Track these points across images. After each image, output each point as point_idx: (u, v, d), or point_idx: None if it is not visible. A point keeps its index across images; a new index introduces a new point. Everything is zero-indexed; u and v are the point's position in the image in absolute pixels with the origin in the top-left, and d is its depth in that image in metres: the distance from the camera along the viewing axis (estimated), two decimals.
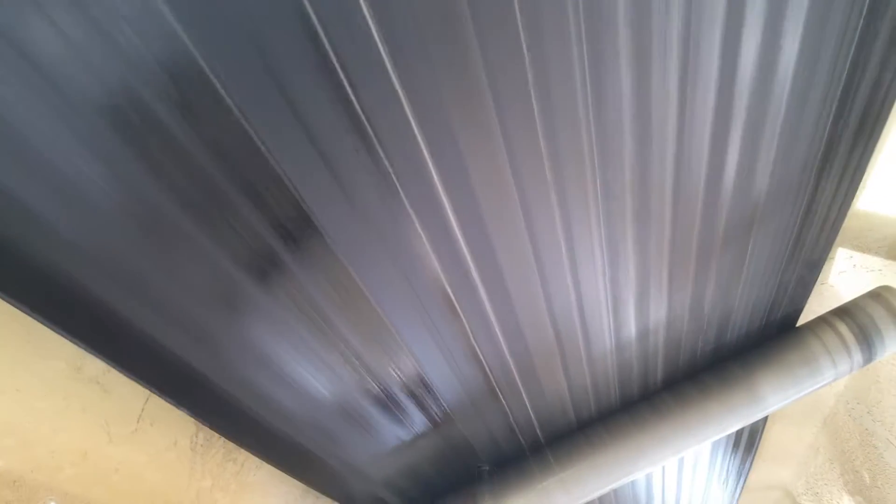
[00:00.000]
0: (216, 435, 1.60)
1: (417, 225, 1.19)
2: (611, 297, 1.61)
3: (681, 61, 1.14)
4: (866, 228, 1.88)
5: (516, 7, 0.94)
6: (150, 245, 1.02)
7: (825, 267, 1.91)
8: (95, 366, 1.28)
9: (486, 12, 0.93)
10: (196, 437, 1.56)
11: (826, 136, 1.42)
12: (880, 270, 2.00)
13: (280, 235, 1.10)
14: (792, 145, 1.41)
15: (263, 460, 1.58)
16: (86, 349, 1.11)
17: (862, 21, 1.21)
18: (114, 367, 1.17)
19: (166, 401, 1.28)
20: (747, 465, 3.24)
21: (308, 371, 1.41)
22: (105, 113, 0.85)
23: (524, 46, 0.99)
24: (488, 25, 0.95)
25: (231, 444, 1.65)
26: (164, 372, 1.24)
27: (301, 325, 1.29)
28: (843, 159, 1.50)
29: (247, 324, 1.24)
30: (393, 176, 1.08)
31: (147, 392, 1.39)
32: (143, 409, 1.41)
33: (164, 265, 1.06)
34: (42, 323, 1.06)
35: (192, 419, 1.54)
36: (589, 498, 2.01)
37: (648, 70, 1.12)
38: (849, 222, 1.70)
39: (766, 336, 2.06)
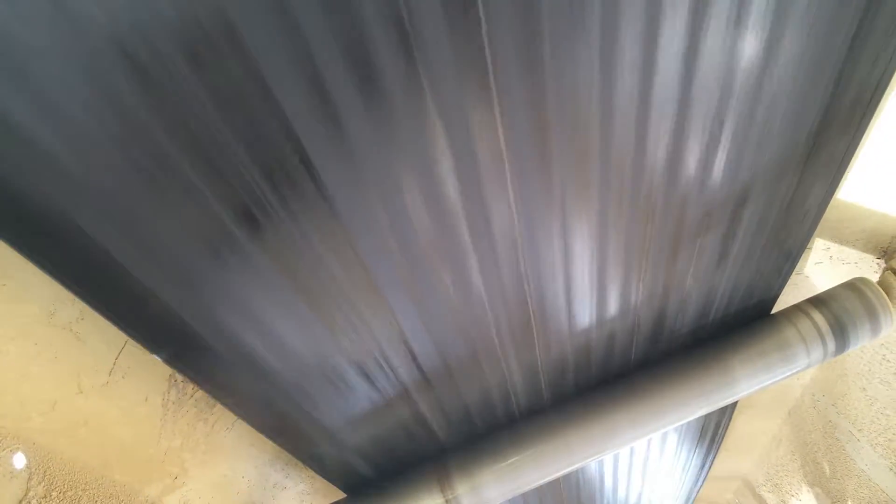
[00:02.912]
0: (188, 394, 1.58)
1: (414, 180, 1.17)
2: (597, 271, 1.62)
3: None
4: (845, 220, 1.91)
5: None
6: (145, 184, 1.00)
7: (802, 256, 1.92)
8: (69, 312, 1.25)
9: None
10: (168, 394, 1.54)
11: (814, 127, 1.42)
12: (856, 263, 2.03)
13: (273, 184, 1.08)
14: (779, 134, 1.41)
15: (237, 415, 1.56)
16: (65, 284, 1.07)
17: (860, 14, 1.21)
18: (92, 307, 1.14)
19: (143, 346, 1.25)
20: (712, 454, 3.29)
21: (290, 327, 1.39)
22: (113, 46, 0.82)
23: None
24: None
25: (202, 405, 1.63)
26: (144, 316, 1.21)
27: (288, 279, 1.27)
28: (828, 150, 1.50)
29: (233, 274, 1.21)
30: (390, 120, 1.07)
31: (121, 344, 1.36)
32: (115, 362, 1.38)
33: (157, 207, 1.04)
34: (25, 256, 1.03)
35: (166, 375, 1.51)
36: (560, 474, 2.02)
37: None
38: (828, 213, 1.72)
39: (741, 321, 2.08)
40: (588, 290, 1.69)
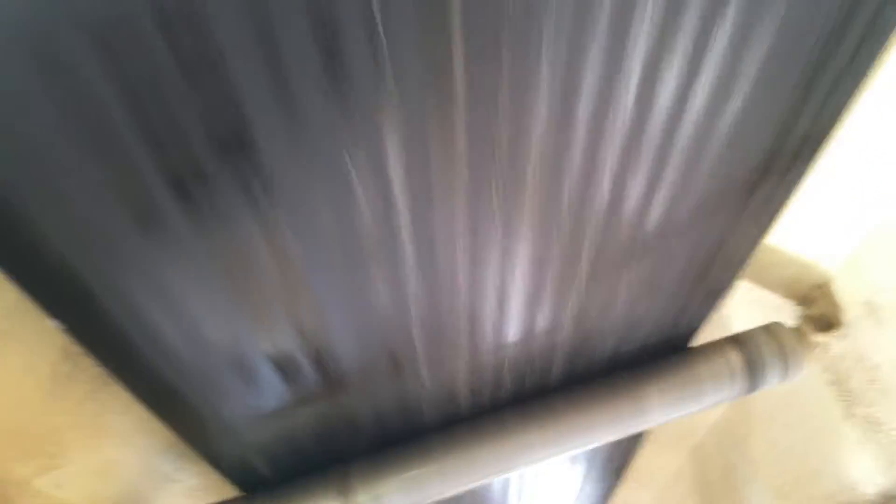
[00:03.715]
0: (80, 369, 1.46)
1: (355, 167, 1.12)
2: (530, 288, 1.60)
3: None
4: (769, 265, 1.96)
5: None
6: (73, 130, 0.91)
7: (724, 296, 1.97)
8: None
9: None
10: (59, 366, 1.42)
11: (753, 174, 1.46)
12: (775, 307, 2.10)
13: (216, 157, 1.00)
14: (719, 178, 1.44)
15: (133, 397, 1.45)
16: None
17: (811, 62, 1.24)
18: None
19: (41, 308, 1.14)
20: (616, 484, 3.33)
21: (206, 312, 1.30)
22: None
23: None
24: None
25: (96, 383, 1.52)
26: (44, 275, 1.10)
27: (212, 260, 1.20)
28: (764, 196, 1.54)
29: (154, 247, 1.12)
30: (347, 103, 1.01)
31: (12, 303, 1.24)
32: (6, 323, 1.26)
33: (83, 159, 0.95)
34: None
35: (59, 345, 1.40)
36: (466, 488, 1.99)
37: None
38: (754, 256, 1.76)
39: (659, 353, 2.11)
40: (516, 310, 1.67)
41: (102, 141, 0.94)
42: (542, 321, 1.77)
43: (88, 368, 1.47)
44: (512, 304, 1.65)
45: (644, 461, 3.31)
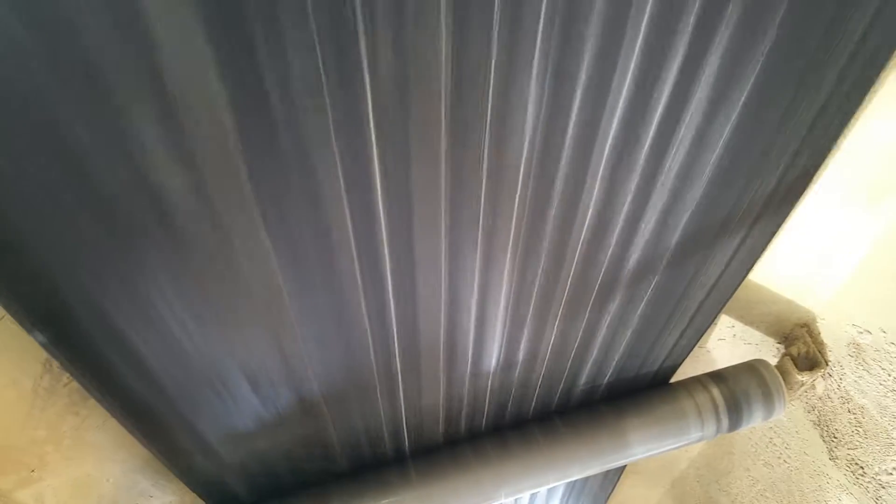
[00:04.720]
0: (62, 382, 1.46)
1: (342, 187, 1.12)
2: (509, 320, 1.59)
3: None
4: (752, 301, 1.97)
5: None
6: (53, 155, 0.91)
7: (706, 331, 1.97)
8: None
9: None
10: (41, 379, 1.42)
11: (739, 210, 1.47)
12: (757, 344, 2.10)
13: (195, 168, 1.01)
14: (707, 214, 1.45)
15: (111, 414, 1.44)
16: None
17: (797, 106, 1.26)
18: None
19: (20, 321, 1.14)
20: None
21: (185, 330, 1.30)
22: None
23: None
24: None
25: (76, 397, 1.51)
26: (24, 287, 1.10)
27: (195, 279, 1.19)
28: (745, 234, 1.55)
29: (133, 263, 1.12)
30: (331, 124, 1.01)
31: None
32: None
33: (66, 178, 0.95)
34: None
35: (41, 359, 1.39)
36: None
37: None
38: (737, 292, 1.77)
39: (639, 386, 2.11)
40: (496, 341, 1.67)
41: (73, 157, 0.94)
42: (521, 353, 1.76)
43: (69, 382, 1.47)
44: (489, 336, 1.65)
45: (625, 492, 3.29)
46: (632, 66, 1.07)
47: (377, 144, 1.06)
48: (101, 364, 1.30)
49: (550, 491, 2.90)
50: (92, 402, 1.47)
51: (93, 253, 1.08)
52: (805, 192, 1.48)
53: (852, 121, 1.35)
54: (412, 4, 0.89)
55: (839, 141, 1.39)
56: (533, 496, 2.91)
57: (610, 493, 3.15)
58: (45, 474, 1.52)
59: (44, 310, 1.14)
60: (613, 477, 2.98)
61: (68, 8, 0.75)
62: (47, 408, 1.45)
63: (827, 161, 1.42)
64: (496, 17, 0.93)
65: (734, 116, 1.22)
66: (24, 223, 0.99)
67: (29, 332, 1.15)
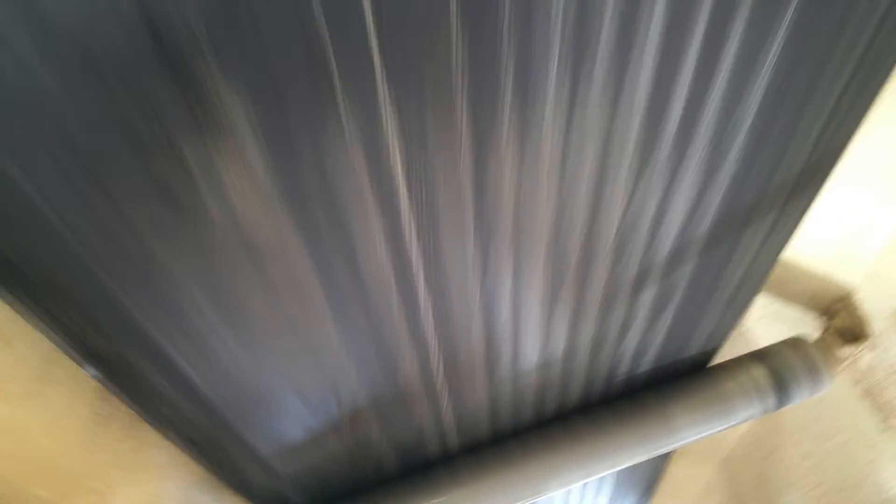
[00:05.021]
0: (118, 408, 1.51)
1: (370, 196, 1.14)
2: (547, 314, 1.60)
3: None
4: (789, 278, 1.95)
5: None
6: (88, 183, 0.94)
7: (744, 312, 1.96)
8: None
9: None
10: (97, 407, 1.47)
11: (771, 188, 1.45)
12: (797, 321, 2.08)
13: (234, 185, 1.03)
14: (738, 193, 1.43)
15: (165, 437, 1.49)
16: None
17: (822, 79, 1.24)
18: (21, 311, 1.07)
19: (73, 359, 1.19)
20: (646, 500, 3.30)
21: (229, 352, 1.34)
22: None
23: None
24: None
25: (133, 419, 1.56)
26: (76, 327, 1.15)
27: (233, 290, 1.23)
28: (778, 211, 1.53)
29: (175, 292, 1.16)
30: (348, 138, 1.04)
31: (52, 351, 1.30)
32: (44, 370, 1.31)
33: (104, 198, 0.98)
34: None
35: (96, 387, 1.45)
36: None
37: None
38: (774, 270, 1.75)
39: (681, 371, 2.10)
40: (533, 339, 1.68)
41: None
42: (560, 348, 1.77)
43: (123, 407, 1.52)
44: (526, 335, 1.66)
45: (675, 474, 3.27)
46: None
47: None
48: (151, 390, 1.35)
49: (600, 481, 2.90)
50: (148, 424, 1.52)
51: (141, 290, 1.12)
52: (838, 163, 1.45)
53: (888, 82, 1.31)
54: None
55: (873, 107, 1.36)
56: (584, 485, 2.91)
57: (659, 478, 3.15)
58: (112, 497, 1.57)
59: (93, 345, 1.19)
60: (661, 461, 2.97)
61: None
62: (107, 433, 1.50)
63: (860, 129, 1.39)
64: None
65: (765, 82, 1.19)
66: (70, 261, 1.04)
67: (81, 366, 1.20)
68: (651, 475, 3.08)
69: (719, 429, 1.98)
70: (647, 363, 2.01)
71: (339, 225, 1.15)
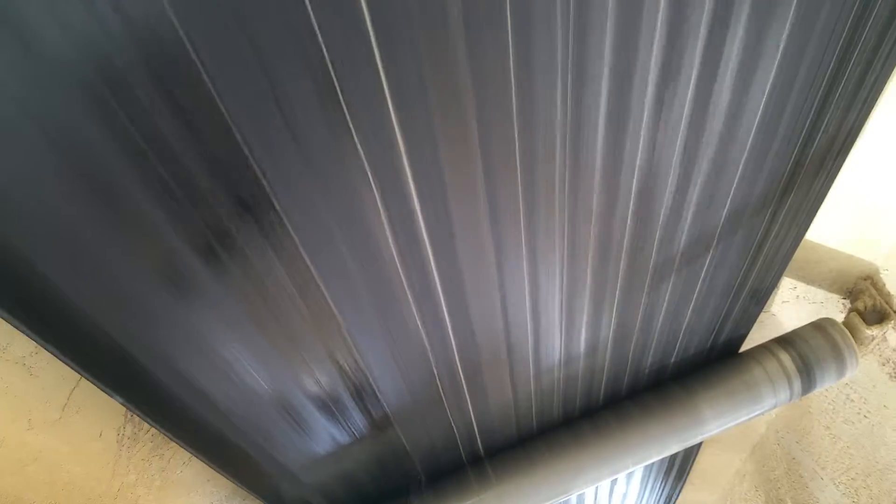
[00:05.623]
0: (143, 429, 1.53)
1: (383, 217, 1.14)
2: (566, 312, 1.59)
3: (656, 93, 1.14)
4: (812, 260, 1.93)
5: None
6: (98, 214, 0.94)
7: (769, 295, 1.94)
8: (23, 346, 1.19)
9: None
10: (123, 429, 1.48)
11: (788, 170, 1.43)
12: (822, 303, 2.05)
13: (238, 216, 1.03)
14: (755, 177, 1.41)
15: (193, 455, 1.50)
16: (15, 325, 1.01)
17: (835, 58, 1.22)
18: (44, 347, 1.08)
19: (98, 386, 1.19)
20: (678, 489, 3.28)
21: (248, 363, 1.34)
22: (76, 80, 0.78)
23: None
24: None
25: (158, 440, 1.57)
26: (98, 355, 1.15)
27: (246, 313, 1.22)
28: (801, 193, 1.51)
29: (189, 308, 1.16)
30: (366, 165, 1.03)
31: (75, 378, 1.31)
32: (69, 397, 1.32)
33: (110, 238, 0.98)
34: None
35: (121, 410, 1.46)
36: None
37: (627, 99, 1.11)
38: (796, 253, 1.73)
39: (707, 361, 2.08)
40: (556, 330, 1.66)
41: (133, 225, 0.98)
42: (582, 344, 1.76)
43: (150, 427, 1.53)
44: (548, 332, 1.66)
45: (706, 461, 3.26)
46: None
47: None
48: (177, 411, 1.35)
49: (630, 473, 2.89)
50: (173, 442, 1.53)
51: (152, 312, 1.13)
52: (856, 144, 1.43)
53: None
54: None
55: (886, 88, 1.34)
56: (612, 480, 2.90)
57: (690, 465, 3.13)
58: None
59: (117, 370, 1.19)
60: (692, 450, 2.96)
61: None
62: (133, 454, 1.51)
63: (875, 111, 1.37)
64: None
65: (774, 64, 1.18)
66: (91, 298, 1.05)
67: (109, 395, 1.21)
68: (683, 463, 3.07)
69: (747, 417, 1.97)
70: (673, 354, 2.00)
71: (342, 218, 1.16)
